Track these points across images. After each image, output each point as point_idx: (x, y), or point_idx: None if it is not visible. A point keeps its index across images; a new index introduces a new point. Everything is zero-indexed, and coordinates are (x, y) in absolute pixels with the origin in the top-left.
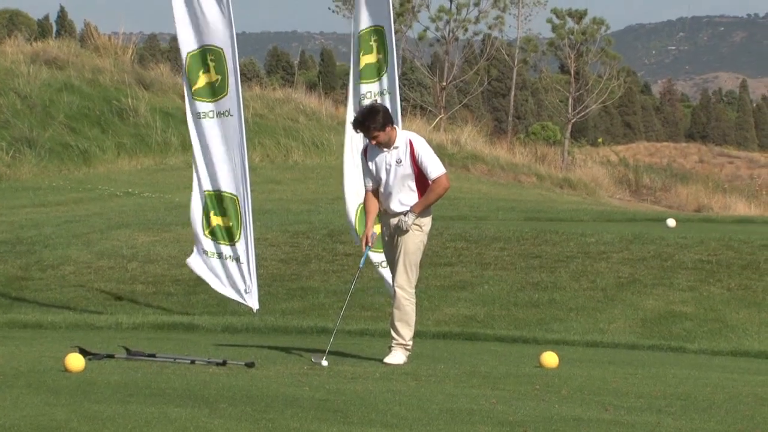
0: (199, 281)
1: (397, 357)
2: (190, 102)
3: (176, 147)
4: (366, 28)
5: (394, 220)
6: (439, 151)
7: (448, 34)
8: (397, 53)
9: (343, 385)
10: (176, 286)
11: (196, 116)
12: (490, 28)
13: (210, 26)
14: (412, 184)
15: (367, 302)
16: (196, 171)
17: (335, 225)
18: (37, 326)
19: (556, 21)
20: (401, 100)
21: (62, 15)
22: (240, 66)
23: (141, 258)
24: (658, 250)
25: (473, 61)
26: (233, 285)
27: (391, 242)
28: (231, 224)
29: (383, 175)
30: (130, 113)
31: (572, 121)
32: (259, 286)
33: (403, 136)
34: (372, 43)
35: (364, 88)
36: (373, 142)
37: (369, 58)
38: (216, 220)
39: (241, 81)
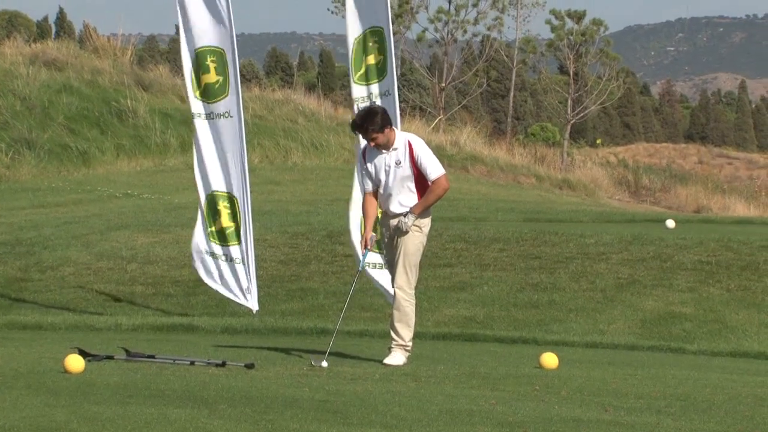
0: (199, 282)
1: (396, 358)
2: (192, 102)
3: (175, 148)
4: (368, 29)
5: (393, 222)
6: (438, 152)
7: (447, 35)
8: (395, 54)
9: (342, 386)
10: (176, 288)
11: (198, 117)
12: (488, 29)
13: (211, 27)
14: (412, 186)
15: (366, 303)
16: (198, 172)
17: (334, 226)
18: (37, 327)
19: (555, 22)
20: (400, 101)
21: (61, 16)
22: (239, 67)
23: (140, 259)
24: (658, 251)
25: (472, 63)
26: (234, 286)
27: (390, 243)
28: (232, 225)
29: (382, 177)
30: (129, 114)
31: (571, 122)
32: (259, 287)
33: (401, 137)
34: (372, 44)
35: (367, 90)
36: (372, 144)
37: (370, 60)
38: (218, 222)
39: (241, 82)
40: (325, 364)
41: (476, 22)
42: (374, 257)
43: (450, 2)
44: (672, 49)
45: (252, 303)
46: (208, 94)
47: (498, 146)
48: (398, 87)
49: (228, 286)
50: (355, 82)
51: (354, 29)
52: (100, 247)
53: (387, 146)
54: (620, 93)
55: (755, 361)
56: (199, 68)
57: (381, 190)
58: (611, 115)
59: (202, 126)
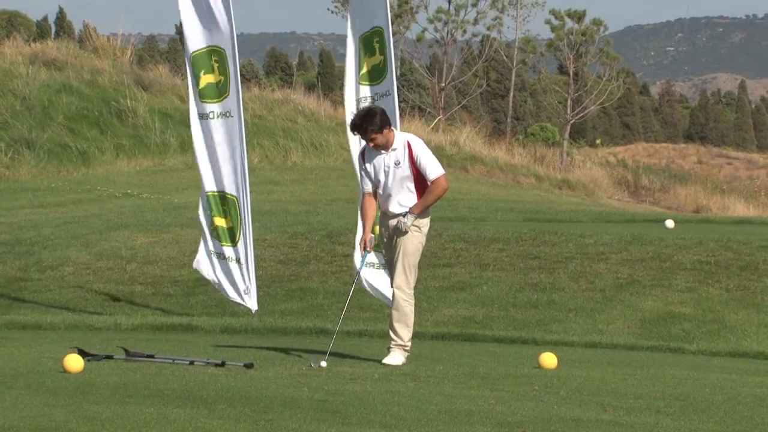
0: (198, 282)
1: (395, 358)
2: (196, 102)
3: (175, 148)
4: (370, 30)
5: (393, 222)
6: (438, 152)
7: (447, 35)
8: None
9: (342, 386)
10: (175, 287)
11: (200, 117)
12: (488, 29)
13: (214, 26)
14: (411, 186)
15: (366, 303)
16: (200, 172)
17: (334, 226)
18: (36, 327)
19: (555, 22)
20: (399, 102)
21: (61, 16)
22: (239, 67)
23: (140, 259)
24: (657, 251)
25: (472, 63)
26: (234, 286)
27: (390, 243)
28: (232, 225)
29: (382, 178)
30: (128, 114)
31: (571, 122)
32: (258, 287)
33: (401, 137)
34: (375, 44)
35: (370, 90)
36: (371, 145)
37: (373, 60)
38: (219, 221)
39: (240, 82)
40: (324, 363)
41: (476, 22)
42: (373, 257)
43: (450, 2)
44: (672, 49)
45: (251, 303)
46: (210, 93)
47: (497, 146)
48: (398, 87)
49: (225, 284)
50: (360, 83)
51: (357, 29)
52: (99, 247)
53: (386, 147)
54: (620, 93)
55: (754, 361)
56: (202, 68)
57: (380, 191)
58: (611, 115)
59: (204, 126)
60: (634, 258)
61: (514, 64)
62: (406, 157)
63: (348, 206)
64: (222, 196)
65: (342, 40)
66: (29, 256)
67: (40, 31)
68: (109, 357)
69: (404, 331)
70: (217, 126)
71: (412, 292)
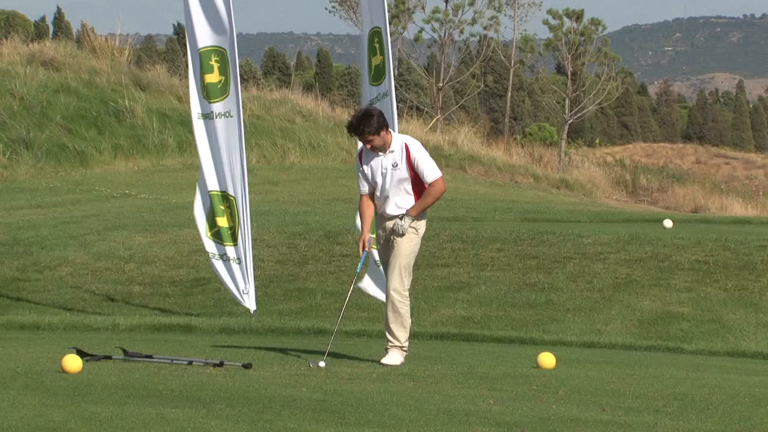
0: (197, 282)
1: (393, 358)
2: (199, 101)
3: (173, 148)
4: (371, 30)
5: (389, 223)
6: (436, 152)
7: (444, 35)
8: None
9: (340, 385)
10: (173, 288)
11: (202, 117)
12: (485, 28)
13: (218, 26)
14: (408, 188)
15: (364, 303)
16: (201, 172)
17: (332, 226)
18: (35, 327)
19: (553, 22)
20: (397, 102)
21: (59, 16)
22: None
23: (138, 259)
24: (655, 250)
25: (470, 62)
26: (235, 286)
27: (386, 245)
28: (233, 225)
29: (379, 179)
30: (126, 114)
31: (569, 122)
32: (256, 287)
33: (398, 139)
34: (375, 44)
35: (377, 90)
36: (368, 146)
37: (375, 60)
38: (221, 221)
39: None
40: (322, 364)
41: (474, 22)
42: (375, 255)
43: (447, 2)
44: (669, 49)
45: (250, 303)
46: (210, 93)
47: (495, 146)
48: (396, 87)
49: (227, 284)
50: (370, 84)
51: (365, 28)
52: (97, 247)
53: (383, 148)
54: (618, 93)
55: (753, 361)
56: (202, 68)
57: (377, 193)
58: (609, 115)
59: (204, 126)
60: (633, 258)
61: (512, 63)
62: (403, 159)
63: (346, 206)
64: (224, 195)
65: (340, 39)
66: (27, 256)
67: (38, 31)
68: (108, 357)
69: (401, 332)
70: (217, 126)
71: (407, 293)
